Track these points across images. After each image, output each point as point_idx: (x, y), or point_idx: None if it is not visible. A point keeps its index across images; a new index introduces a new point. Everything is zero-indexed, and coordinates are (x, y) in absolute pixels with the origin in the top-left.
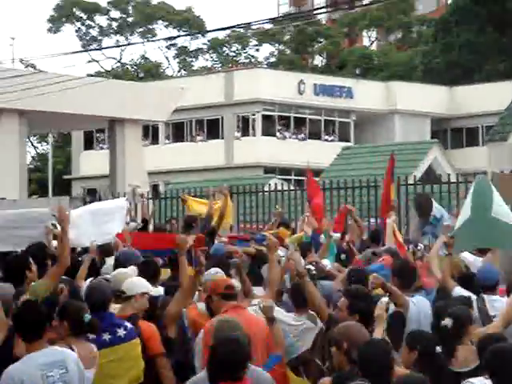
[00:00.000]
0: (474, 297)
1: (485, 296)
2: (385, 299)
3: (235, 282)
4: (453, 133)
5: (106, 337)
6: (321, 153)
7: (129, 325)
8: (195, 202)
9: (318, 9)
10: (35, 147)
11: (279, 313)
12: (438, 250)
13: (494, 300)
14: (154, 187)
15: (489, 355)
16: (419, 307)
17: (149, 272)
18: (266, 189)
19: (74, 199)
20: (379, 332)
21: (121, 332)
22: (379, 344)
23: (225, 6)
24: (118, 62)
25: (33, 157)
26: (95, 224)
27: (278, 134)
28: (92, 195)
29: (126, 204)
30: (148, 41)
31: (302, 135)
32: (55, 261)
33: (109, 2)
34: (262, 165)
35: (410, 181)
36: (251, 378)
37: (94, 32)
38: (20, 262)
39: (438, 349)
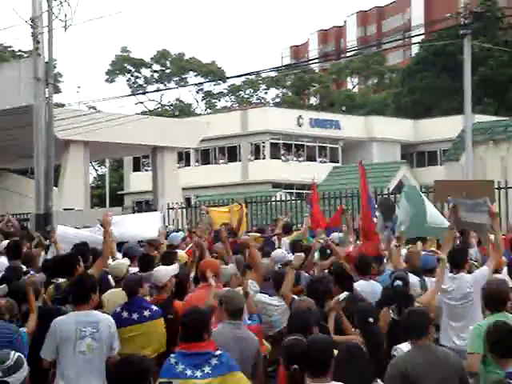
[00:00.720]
0: (417, 278)
1: (426, 278)
2: (343, 295)
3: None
4: (417, 155)
5: (135, 316)
6: (316, 172)
7: (154, 308)
8: (216, 213)
9: (312, 59)
10: (96, 170)
11: (265, 297)
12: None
13: (432, 281)
14: (187, 199)
15: (403, 315)
16: (370, 290)
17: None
18: (273, 199)
19: (125, 209)
20: (331, 322)
21: (146, 313)
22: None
23: (241, 60)
24: (159, 103)
25: (94, 177)
26: (135, 226)
27: (282, 157)
28: (139, 206)
29: (160, 216)
30: (182, 86)
31: (301, 158)
32: (94, 256)
33: (151, 58)
34: (270, 181)
35: (385, 192)
36: (234, 334)
37: (140, 81)
38: (72, 260)
39: (371, 319)
